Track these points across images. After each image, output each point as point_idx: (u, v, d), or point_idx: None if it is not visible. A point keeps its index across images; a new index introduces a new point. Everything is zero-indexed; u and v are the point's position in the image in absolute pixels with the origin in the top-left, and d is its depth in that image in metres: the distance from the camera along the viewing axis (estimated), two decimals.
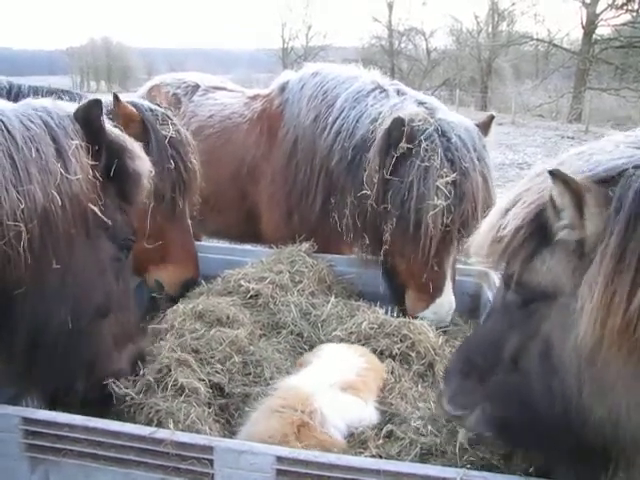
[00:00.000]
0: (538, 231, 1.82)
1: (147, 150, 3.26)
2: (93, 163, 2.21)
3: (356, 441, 2.42)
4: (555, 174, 1.67)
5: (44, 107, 2.21)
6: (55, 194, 2.03)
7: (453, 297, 3.53)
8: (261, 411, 2.41)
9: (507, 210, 1.93)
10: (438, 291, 3.49)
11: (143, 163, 2.50)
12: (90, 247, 2.28)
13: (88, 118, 2.23)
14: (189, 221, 3.65)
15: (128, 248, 2.53)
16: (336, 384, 2.56)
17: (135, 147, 2.48)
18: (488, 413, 2.04)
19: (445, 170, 3.32)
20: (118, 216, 2.42)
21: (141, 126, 3.32)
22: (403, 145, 3.37)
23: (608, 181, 1.67)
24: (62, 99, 3.29)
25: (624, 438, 1.72)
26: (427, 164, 3.32)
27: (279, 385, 2.60)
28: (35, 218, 1.99)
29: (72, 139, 2.14)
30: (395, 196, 3.43)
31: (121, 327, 2.49)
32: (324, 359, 2.77)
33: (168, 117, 3.47)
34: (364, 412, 2.56)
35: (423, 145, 3.36)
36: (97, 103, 2.25)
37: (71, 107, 2.29)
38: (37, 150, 2.03)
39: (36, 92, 3.33)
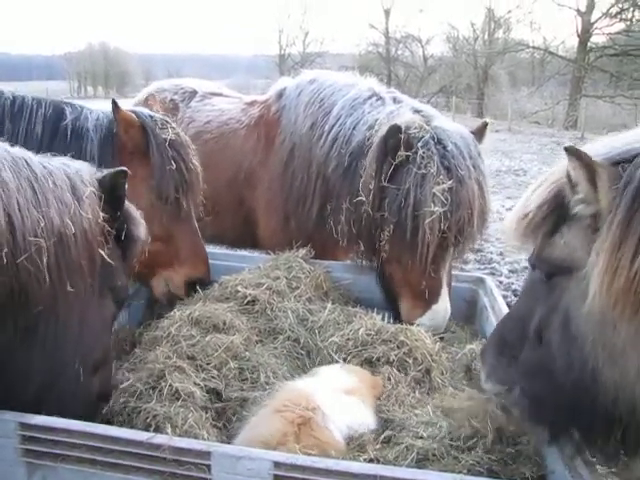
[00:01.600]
0: (559, 208, 1.96)
1: (148, 153, 3.31)
2: (109, 229, 2.36)
3: (354, 445, 2.43)
4: (569, 150, 1.79)
5: (62, 160, 2.39)
6: (69, 222, 2.15)
7: (449, 303, 3.54)
8: (263, 412, 2.42)
9: (534, 190, 2.09)
10: (434, 297, 3.49)
11: (144, 229, 2.66)
12: (98, 304, 2.40)
13: (114, 185, 2.39)
14: (196, 222, 3.67)
15: (121, 307, 2.66)
16: (338, 387, 2.59)
17: (137, 214, 2.65)
18: (526, 390, 2.13)
19: (441, 177, 3.34)
20: (123, 277, 2.54)
21: (141, 131, 3.35)
22: (402, 153, 3.39)
23: (621, 162, 1.78)
24: (65, 109, 3.35)
25: (637, 403, 1.78)
26: (424, 171, 3.34)
27: (281, 387, 2.62)
28: (52, 237, 2.09)
29: (87, 186, 2.29)
30: (392, 203, 3.44)
31: (104, 382, 2.55)
32: (324, 374, 2.79)
33: (167, 122, 3.49)
34: (364, 415, 2.58)
35: (420, 153, 3.37)
36: (124, 173, 2.41)
37: (92, 169, 2.45)
38: (54, 183, 2.17)
39: (39, 103, 3.35)
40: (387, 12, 56.44)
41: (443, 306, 3.52)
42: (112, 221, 2.40)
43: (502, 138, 26.77)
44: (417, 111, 3.76)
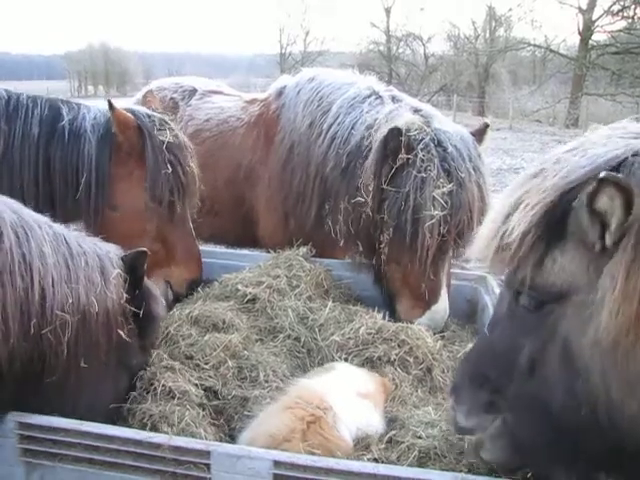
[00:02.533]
0: (547, 232, 1.78)
1: (144, 156, 3.28)
2: (128, 305, 2.46)
3: (360, 445, 2.43)
4: (607, 178, 1.57)
5: (94, 240, 2.55)
6: (94, 300, 2.28)
7: (447, 304, 3.53)
8: (273, 408, 2.43)
9: (508, 215, 1.86)
10: (434, 298, 3.49)
11: (163, 308, 2.78)
12: (111, 379, 2.48)
13: (135, 265, 2.51)
14: (190, 224, 3.66)
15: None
16: (350, 389, 2.59)
17: (157, 292, 2.76)
18: (510, 425, 1.94)
19: (441, 180, 3.33)
20: (139, 355, 2.63)
21: (137, 132, 3.33)
22: (402, 156, 3.37)
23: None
24: (61, 109, 3.33)
25: None
26: (424, 175, 3.33)
27: (295, 384, 2.61)
28: (77, 314, 2.22)
29: (114, 267, 2.44)
30: (392, 206, 3.43)
31: None
32: (337, 372, 2.77)
33: (165, 122, 3.47)
34: (375, 419, 2.58)
35: (420, 155, 3.36)
36: (144, 254, 2.52)
37: (115, 247, 2.58)
38: (86, 262, 2.33)
39: (35, 102, 3.33)
40: (388, 10, 56.36)
41: (442, 306, 3.51)
42: (132, 299, 2.49)
43: (503, 136, 26.73)
44: (416, 111, 3.74)
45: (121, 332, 2.41)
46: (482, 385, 2.04)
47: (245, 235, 4.80)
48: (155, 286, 2.80)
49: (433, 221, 3.26)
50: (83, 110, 3.42)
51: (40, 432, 2.14)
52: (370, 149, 3.59)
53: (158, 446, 2.06)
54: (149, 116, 3.44)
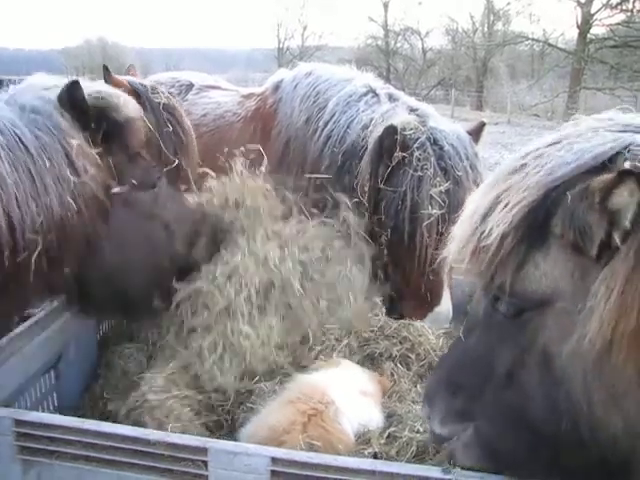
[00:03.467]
0: (528, 235, 1.66)
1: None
2: (96, 150, 2.28)
3: (361, 440, 2.43)
4: (631, 171, 1.46)
5: (39, 108, 2.25)
6: (71, 201, 2.12)
7: (451, 305, 3.51)
8: (275, 402, 2.44)
9: (486, 215, 1.74)
10: (436, 300, 3.46)
11: (129, 108, 2.56)
12: (124, 213, 2.41)
13: (73, 103, 2.30)
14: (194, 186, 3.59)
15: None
16: (353, 385, 2.60)
17: (116, 96, 2.52)
18: (484, 434, 1.88)
19: (438, 179, 3.32)
20: (134, 169, 2.50)
21: (134, 95, 3.31)
22: (397, 154, 3.35)
23: (598, 168, 1.56)
24: None
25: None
26: (420, 173, 3.31)
27: (296, 379, 2.62)
28: (53, 229, 2.08)
29: (73, 138, 2.21)
30: (389, 206, 3.42)
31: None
32: (339, 369, 2.77)
33: (155, 88, 3.45)
34: (375, 413, 2.58)
35: (416, 154, 3.34)
36: (76, 85, 2.30)
37: (53, 94, 2.32)
38: (49, 159, 2.11)
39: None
40: (386, 5, 56.25)
41: (445, 307, 3.48)
42: (97, 133, 2.35)
43: (501, 131, 26.74)
44: (413, 110, 3.72)
45: (117, 189, 2.35)
46: (456, 392, 1.98)
47: None
48: (115, 91, 2.60)
49: (431, 220, 3.25)
50: None
51: (37, 429, 2.12)
52: (366, 149, 3.57)
53: (155, 443, 2.05)
54: (140, 83, 3.43)
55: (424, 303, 3.47)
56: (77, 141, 2.22)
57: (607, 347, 1.51)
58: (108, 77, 3.24)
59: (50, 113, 2.25)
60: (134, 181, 2.46)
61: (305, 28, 64.63)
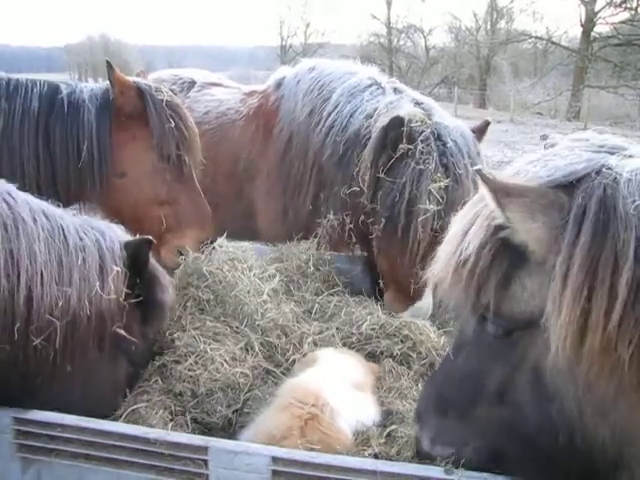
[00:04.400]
0: (506, 247, 1.66)
1: (145, 115, 3.32)
2: (127, 291, 2.38)
3: (360, 440, 2.40)
4: (478, 172, 1.58)
5: (100, 228, 2.43)
6: (86, 303, 2.19)
7: (432, 300, 3.48)
8: (270, 409, 2.40)
9: (466, 232, 1.75)
10: (418, 295, 3.44)
11: (170, 294, 2.69)
12: (107, 368, 2.41)
13: (137, 253, 2.43)
14: (197, 184, 3.61)
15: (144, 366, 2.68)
16: (344, 380, 2.56)
17: (165, 278, 2.68)
18: (483, 451, 1.89)
19: (439, 175, 3.30)
20: (141, 343, 2.54)
21: (137, 92, 3.35)
22: (403, 146, 3.34)
23: (567, 186, 1.59)
24: (60, 86, 3.36)
25: (630, 457, 1.62)
26: (422, 167, 3.29)
27: (288, 384, 2.56)
28: (66, 317, 2.13)
29: (116, 264, 2.33)
30: (386, 197, 3.41)
31: None
32: (326, 362, 2.72)
33: (159, 87, 3.50)
34: (371, 409, 2.56)
35: (419, 147, 3.32)
36: (148, 242, 2.47)
37: (123, 235, 2.51)
38: (83, 260, 2.22)
39: (34, 82, 3.33)
40: (389, 2, 56.00)
41: (426, 303, 3.47)
42: (134, 288, 2.43)
43: (504, 129, 26.65)
44: (418, 103, 3.71)
45: (118, 329, 2.35)
46: (446, 411, 1.98)
47: (244, 228, 4.76)
48: (164, 272, 2.73)
49: (427, 215, 3.23)
50: (80, 85, 3.46)
51: (36, 427, 2.12)
52: (368, 138, 3.56)
53: (155, 442, 2.04)
54: (144, 82, 3.48)
55: (407, 296, 3.45)
56: (118, 269, 2.32)
57: (574, 364, 1.54)
58: (112, 73, 3.26)
59: (109, 236, 2.41)
60: (132, 348, 2.50)
61: (308, 26, 64.52)
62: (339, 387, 2.50)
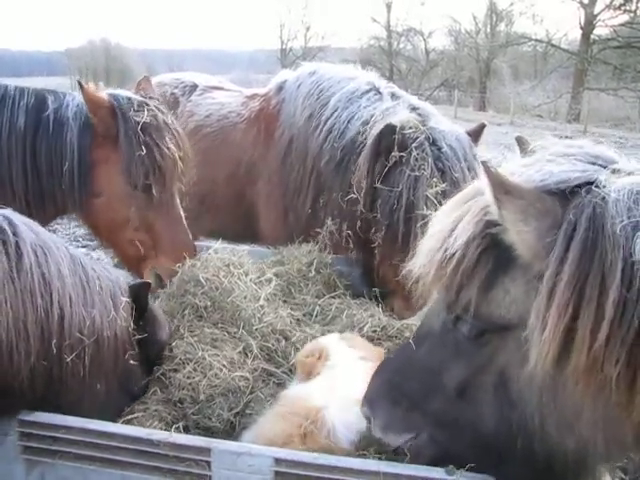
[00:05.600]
0: (493, 246, 1.65)
1: (117, 136, 3.24)
2: (134, 327, 2.53)
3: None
4: (482, 164, 1.58)
5: (106, 268, 2.61)
6: (107, 325, 2.34)
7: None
8: (268, 415, 2.37)
9: (453, 229, 1.72)
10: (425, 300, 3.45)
11: (167, 334, 2.81)
12: (114, 402, 2.51)
13: (140, 293, 2.58)
14: (180, 210, 3.51)
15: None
16: (347, 395, 2.39)
17: (162, 317, 2.82)
18: (438, 439, 1.91)
19: (435, 180, 3.30)
20: (140, 381, 2.66)
21: (110, 112, 3.27)
22: (395, 154, 3.34)
23: (558, 194, 1.58)
24: (47, 99, 3.32)
25: (593, 464, 1.66)
26: (417, 173, 3.30)
27: (286, 394, 2.52)
28: (92, 336, 2.27)
29: (123, 295, 2.49)
30: (384, 205, 3.41)
31: None
32: (333, 368, 2.60)
33: (145, 104, 3.37)
34: None
35: (414, 154, 3.33)
36: (148, 285, 2.64)
37: (123, 275, 2.70)
38: (100, 287, 2.39)
39: (22, 92, 3.31)
40: (389, 5, 56.17)
41: None
42: (137, 326, 2.56)
43: (504, 131, 26.61)
44: (414, 109, 3.71)
45: (128, 359, 2.46)
46: (400, 399, 1.98)
47: (246, 231, 4.79)
48: (161, 313, 2.83)
49: (426, 221, 3.23)
50: (68, 99, 3.36)
51: (40, 429, 2.12)
52: (364, 145, 3.57)
53: (158, 443, 2.04)
54: (128, 98, 3.36)
55: (415, 302, 3.45)
56: (127, 300, 2.49)
57: (556, 379, 1.54)
58: (83, 93, 3.18)
59: (115, 275, 2.56)
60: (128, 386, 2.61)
61: (308, 29, 64.65)
62: (344, 397, 2.35)
